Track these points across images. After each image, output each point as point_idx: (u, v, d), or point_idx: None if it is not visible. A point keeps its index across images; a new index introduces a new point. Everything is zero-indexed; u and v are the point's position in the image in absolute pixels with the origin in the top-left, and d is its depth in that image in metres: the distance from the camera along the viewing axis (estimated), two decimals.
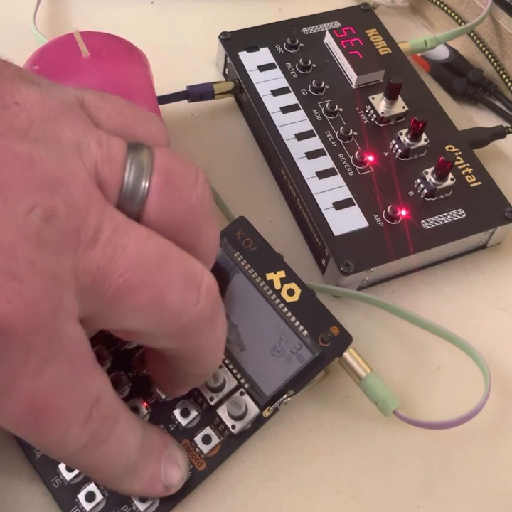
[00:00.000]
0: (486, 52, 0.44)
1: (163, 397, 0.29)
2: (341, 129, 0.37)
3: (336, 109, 0.38)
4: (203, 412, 0.29)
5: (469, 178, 0.36)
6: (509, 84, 0.43)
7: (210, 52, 0.42)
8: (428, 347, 0.33)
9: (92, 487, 0.27)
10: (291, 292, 0.30)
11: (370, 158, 0.36)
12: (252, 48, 0.40)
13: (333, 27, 0.41)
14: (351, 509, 0.29)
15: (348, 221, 0.34)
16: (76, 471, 0.27)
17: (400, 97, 0.38)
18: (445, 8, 0.46)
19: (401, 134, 0.37)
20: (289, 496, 0.29)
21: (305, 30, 0.41)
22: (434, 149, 0.37)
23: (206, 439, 0.28)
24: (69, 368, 0.21)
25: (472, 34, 0.44)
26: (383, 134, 0.37)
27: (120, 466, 0.24)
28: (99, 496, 0.27)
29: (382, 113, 0.38)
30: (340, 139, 0.37)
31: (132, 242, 0.21)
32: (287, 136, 0.37)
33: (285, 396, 0.29)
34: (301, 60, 0.40)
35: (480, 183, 0.36)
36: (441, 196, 0.36)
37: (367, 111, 0.38)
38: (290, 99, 0.38)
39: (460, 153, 0.37)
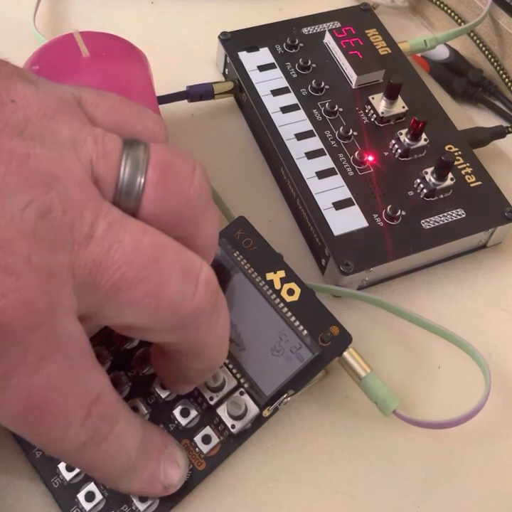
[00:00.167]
0: (486, 52, 0.44)
1: (163, 396, 0.29)
2: (341, 129, 0.37)
3: (335, 109, 0.38)
4: (203, 412, 0.28)
5: (469, 178, 0.36)
6: (509, 84, 0.43)
7: (210, 52, 0.42)
8: (428, 347, 0.33)
9: (91, 487, 0.27)
10: (291, 292, 0.30)
11: (370, 158, 0.36)
12: (252, 48, 0.40)
13: (333, 27, 0.41)
14: (351, 509, 0.29)
15: (347, 221, 0.34)
16: (76, 471, 0.27)
17: (399, 97, 0.38)
18: (445, 8, 0.46)
19: (401, 133, 0.37)
20: (289, 496, 0.29)
21: (305, 30, 0.41)
22: (433, 149, 0.37)
23: (206, 439, 0.28)
24: (67, 365, 0.21)
25: (472, 34, 0.44)
26: (383, 134, 0.37)
27: (120, 465, 0.24)
28: (98, 496, 0.27)
29: (382, 113, 0.38)
30: (340, 138, 0.37)
31: (128, 237, 0.21)
32: (287, 136, 0.37)
33: (285, 396, 0.29)
34: (301, 60, 0.40)
35: (480, 182, 0.36)
36: (441, 196, 0.36)
37: (367, 111, 0.38)
38: (290, 99, 0.38)
39: (460, 153, 0.37)
